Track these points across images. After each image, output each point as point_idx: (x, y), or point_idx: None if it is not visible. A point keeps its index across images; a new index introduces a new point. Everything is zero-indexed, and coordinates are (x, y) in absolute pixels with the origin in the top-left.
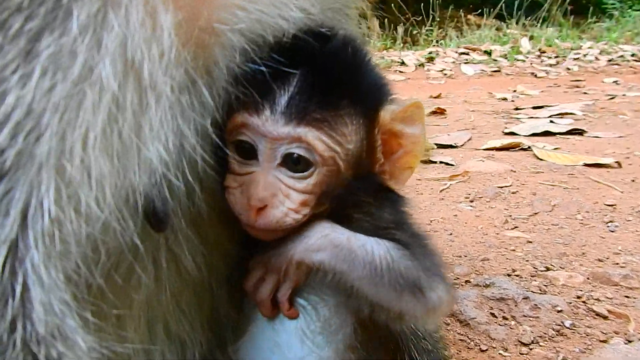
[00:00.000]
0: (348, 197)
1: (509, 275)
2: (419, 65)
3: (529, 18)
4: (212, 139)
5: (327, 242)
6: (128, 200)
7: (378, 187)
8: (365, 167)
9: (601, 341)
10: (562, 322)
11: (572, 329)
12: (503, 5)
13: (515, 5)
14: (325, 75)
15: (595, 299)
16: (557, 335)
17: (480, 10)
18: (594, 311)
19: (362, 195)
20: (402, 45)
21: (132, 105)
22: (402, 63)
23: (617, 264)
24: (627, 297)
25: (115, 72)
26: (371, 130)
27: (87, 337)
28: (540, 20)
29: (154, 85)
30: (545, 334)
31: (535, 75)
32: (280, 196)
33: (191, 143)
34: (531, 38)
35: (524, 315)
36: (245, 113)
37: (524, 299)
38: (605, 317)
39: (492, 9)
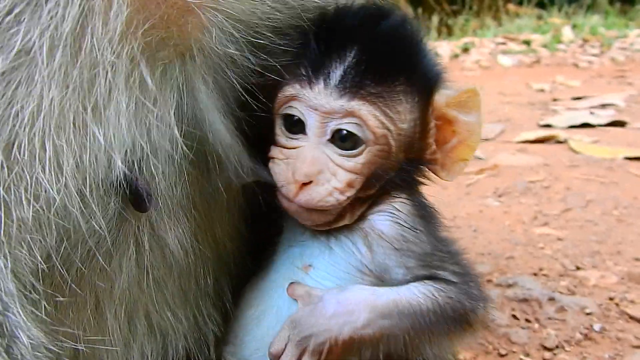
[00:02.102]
0: (396, 183)
1: (535, 274)
2: (454, 56)
3: (572, 5)
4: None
5: (376, 315)
6: (94, 182)
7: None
8: (417, 152)
9: (634, 347)
10: (591, 326)
11: (601, 333)
12: None
13: None
14: (383, 50)
15: (630, 301)
16: (584, 339)
17: None
18: (627, 314)
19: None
20: (437, 35)
21: (81, 82)
22: (436, 54)
23: None
24: None
25: (60, 43)
26: (425, 112)
27: (35, 332)
28: (585, 8)
29: (101, 62)
30: (571, 338)
31: (577, 66)
32: (327, 174)
33: (161, 130)
34: (574, 27)
35: (549, 318)
36: (297, 85)
37: (549, 300)
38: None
39: None
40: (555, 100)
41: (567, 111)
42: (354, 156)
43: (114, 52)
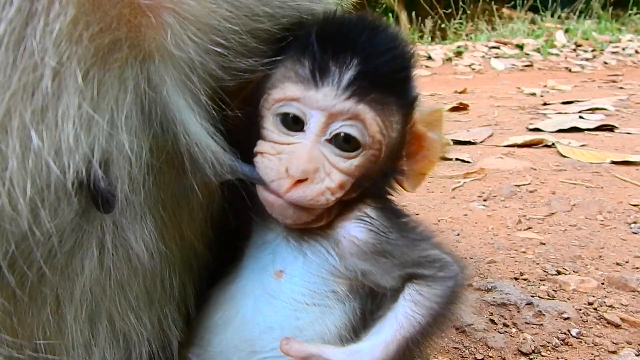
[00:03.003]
0: (370, 190)
1: (515, 279)
2: (447, 60)
3: (565, 10)
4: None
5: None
6: (45, 186)
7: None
8: (395, 162)
9: (610, 352)
10: (569, 331)
11: (578, 338)
12: None
13: None
14: (385, 60)
15: (609, 306)
16: (561, 344)
17: (513, 3)
18: (605, 319)
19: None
20: (430, 39)
21: (24, 86)
22: (429, 57)
23: (638, 268)
24: None
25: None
26: (406, 126)
27: None
28: (577, 13)
29: (44, 65)
30: (548, 343)
31: (570, 70)
32: (322, 173)
33: (119, 133)
34: (567, 31)
35: (526, 323)
36: (300, 86)
37: (527, 304)
38: (617, 326)
39: (526, 1)
40: (545, 104)
41: (556, 115)
42: (350, 158)
43: (57, 56)
